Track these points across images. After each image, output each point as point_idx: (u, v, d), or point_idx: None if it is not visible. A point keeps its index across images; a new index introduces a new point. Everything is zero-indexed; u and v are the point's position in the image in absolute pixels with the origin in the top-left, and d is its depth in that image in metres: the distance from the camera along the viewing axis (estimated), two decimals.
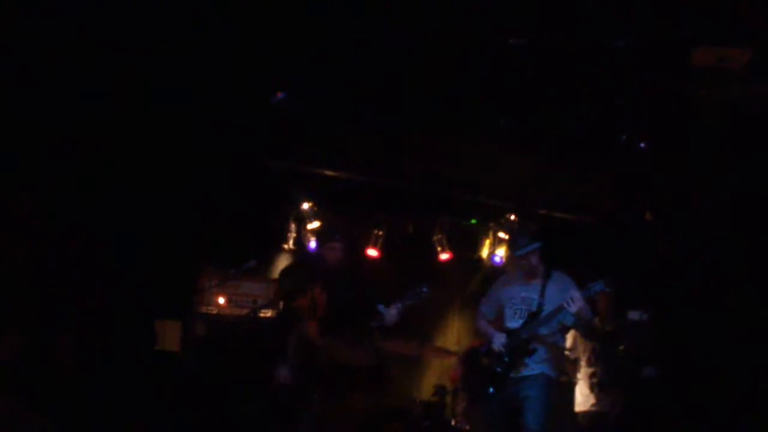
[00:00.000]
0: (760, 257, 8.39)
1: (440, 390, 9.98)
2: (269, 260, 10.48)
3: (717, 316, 8.66)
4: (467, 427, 9.15)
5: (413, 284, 7.65)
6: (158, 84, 8.00)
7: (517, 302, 7.45)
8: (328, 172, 10.12)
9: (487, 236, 10.87)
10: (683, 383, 8.73)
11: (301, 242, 10.51)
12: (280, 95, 8.21)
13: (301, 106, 8.36)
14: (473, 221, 10.95)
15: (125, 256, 9.09)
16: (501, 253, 10.70)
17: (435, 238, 10.85)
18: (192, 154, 9.11)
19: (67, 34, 7.24)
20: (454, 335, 11.09)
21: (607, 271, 7.28)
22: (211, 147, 9.12)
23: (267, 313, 9.10)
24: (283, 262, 10.33)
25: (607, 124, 8.26)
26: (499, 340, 7.38)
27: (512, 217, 10.58)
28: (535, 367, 7.26)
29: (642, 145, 8.41)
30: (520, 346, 7.28)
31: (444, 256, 10.83)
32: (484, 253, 10.93)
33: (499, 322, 7.58)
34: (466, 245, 11.00)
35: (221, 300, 9.69)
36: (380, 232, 10.75)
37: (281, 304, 8.18)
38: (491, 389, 7.37)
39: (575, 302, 7.00)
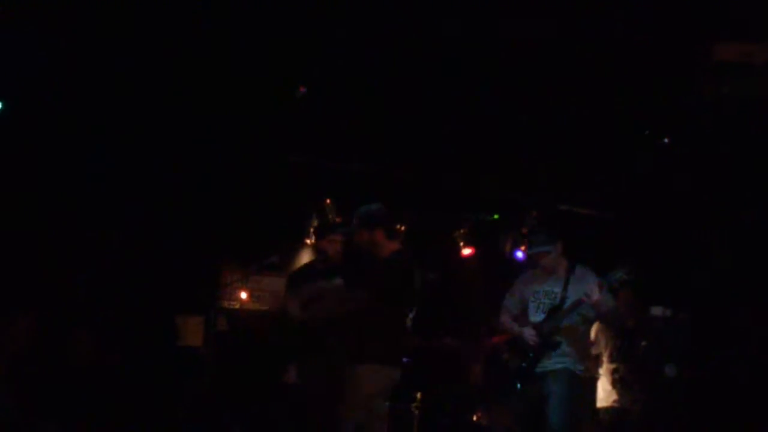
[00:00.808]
0: None
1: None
2: (291, 255, 10.48)
3: (741, 313, 8.63)
4: (488, 423, 9.15)
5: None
6: (181, 79, 8.02)
7: (540, 296, 7.44)
8: (350, 167, 10.12)
9: (509, 231, 10.85)
10: (705, 381, 8.70)
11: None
12: (303, 90, 8.22)
13: (323, 100, 8.37)
14: (495, 216, 10.93)
15: (148, 252, 9.14)
16: (523, 248, 10.68)
17: (457, 233, 10.84)
18: (214, 149, 9.14)
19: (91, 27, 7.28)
20: (475, 332, 11.06)
21: (623, 264, 7.28)
22: (233, 142, 9.14)
23: None
24: (305, 258, 10.35)
25: (629, 119, 8.24)
26: (530, 334, 7.36)
27: (534, 213, 10.55)
28: (558, 361, 7.25)
29: (666, 140, 8.38)
30: (543, 340, 7.28)
31: (466, 252, 10.82)
32: (507, 248, 10.90)
33: (522, 317, 7.57)
34: (489, 241, 10.98)
35: (243, 295, 9.73)
36: (402, 227, 10.74)
37: None
38: (518, 385, 7.36)
39: (593, 294, 6.99)
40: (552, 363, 7.23)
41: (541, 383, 7.22)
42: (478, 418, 9.36)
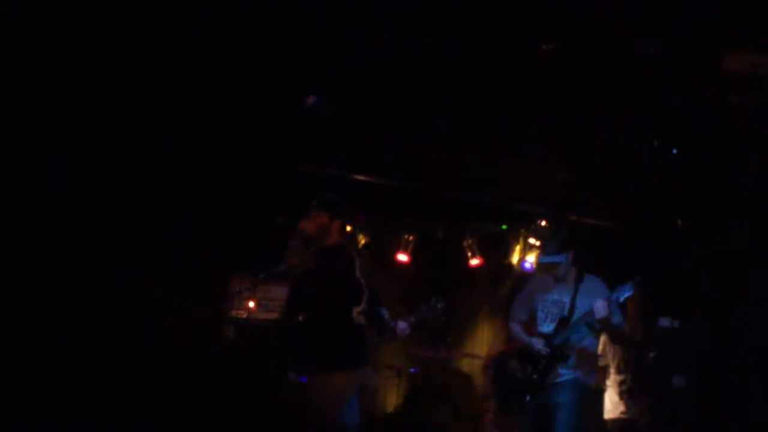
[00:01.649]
0: None
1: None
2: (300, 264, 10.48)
3: (750, 324, 8.60)
4: None
5: (430, 296, 7.51)
6: (188, 88, 8.04)
7: (548, 305, 7.43)
8: (359, 177, 10.13)
9: (517, 242, 10.85)
10: (714, 393, 8.68)
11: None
12: (311, 99, 8.23)
13: (332, 110, 8.38)
14: (504, 227, 10.93)
15: (156, 261, 9.14)
16: (531, 258, 10.68)
17: (465, 243, 10.85)
18: (223, 158, 9.16)
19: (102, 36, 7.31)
20: (483, 341, 11.07)
21: (633, 276, 7.27)
22: (242, 151, 9.16)
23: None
24: None
25: (639, 129, 8.24)
26: (540, 346, 7.36)
27: (543, 223, 10.55)
28: (567, 372, 7.25)
29: (674, 151, 8.38)
30: (553, 352, 7.27)
31: (474, 262, 10.83)
32: (515, 258, 10.90)
33: (531, 325, 7.57)
34: (497, 251, 10.98)
35: (251, 304, 9.71)
36: (410, 237, 10.76)
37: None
38: (527, 397, 7.35)
39: (601, 311, 6.99)
40: (561, 374, 7.23)
41: (550, 394, 7.21)
42: (486, 429, 9.37)
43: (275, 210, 9.82)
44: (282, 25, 7.16)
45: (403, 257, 10.74)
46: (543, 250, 7.70)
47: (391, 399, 10.62)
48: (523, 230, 10.80)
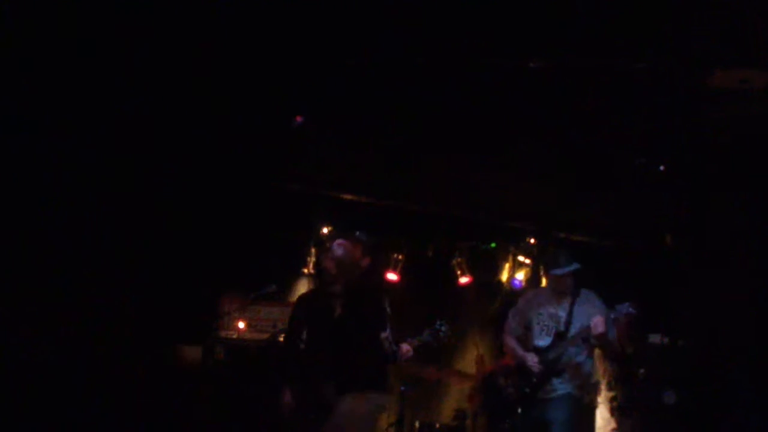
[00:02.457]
0: None
1: (460, 414, 9.94)
2: (289, 285, 10.48)
3: (739, 339, 8.62)
4: None
5: (432, 316, 7.52)
6: (179, 109, 8.04)
7: (545, 319, 7.46)
8: (348, 197, 10.14)
9: (506, 260, 10.86)
10: (703, 409, 8.69)
11: (320, 267, 10.50)
12: (299, 120, 8.24)
13: (320, 130, 8.39)
14: (492, 245, 10.94)
15: (146, 282, 9.13)
16: (520, 276, 10.69)
17: (454, 261, 10.84)
18: (212, 179, 9.15)
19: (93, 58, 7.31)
20: (473, 359, 11.05)
21: (627, 294, 7.29)
22: (230, 172, 9.16)
23: None
24: (302, 287, 10.35)
25: (626, 146, 8.26)
26: (534, 362, 7.36)
27: (532, 241, 10.57)
28: (561, 387, 7.26)
29: (661, 167, 8.40)
30: (548, 366, 7.28)
31: (463, 280, 10.82)
32: (504, 276, 10.91)
33: (525, 339, 7.58)
34: (486, 269, 10.98)
35: (241, 324, 9.69)
36: (400, 256, 10.75)
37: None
38: (519, 410, 7.35)
39: (598, 327, 7.01)
40: (555, 389, 7.24)
41: (543, 409, 7.22)
42: None
43: (265, 230, 9.82)
44: (270, 43, 7.16)
45: (392, 276, 10.73)
46: (557, 263, 7.65)
47: (382, 418, 10.59)
48: (512, 248, 10.80)
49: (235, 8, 6.76)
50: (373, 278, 7.24)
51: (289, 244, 10.39)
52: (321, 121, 8.29)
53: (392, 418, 9.81)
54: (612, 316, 7.10)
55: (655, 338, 9.17)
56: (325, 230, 10.41)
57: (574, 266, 7.40)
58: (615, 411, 8.81)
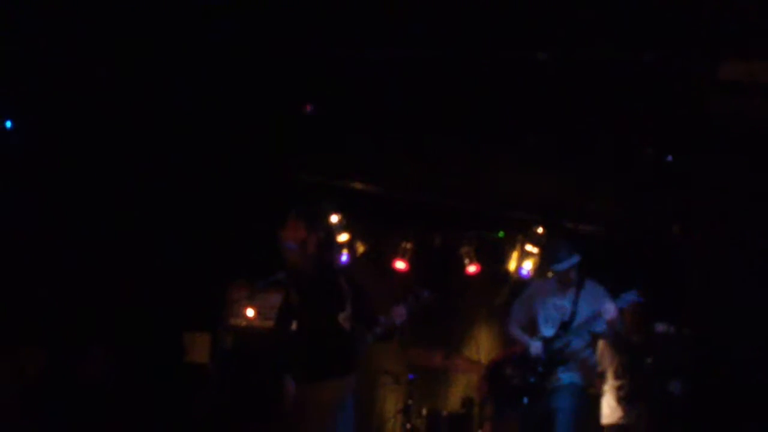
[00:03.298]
0: None
1: (467, 402, 10.00)
2: None
3: (746, 330, 8.64)
4: None
5: (439, 305, 7.50)
6: (189, 97, 8.07)
7: (550, 310, 7.48)
8: (357, 185, 10.16)
9: (514, 249, 10.86)
10: (710, 399, 8.71)
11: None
12: (309, 108, 8.25)
13: (330, 119, 8.40)
14: (500, 234, 10.95)
15: (155, 269, 9.17)
16: (528, 265, 10.70)
17: (462, 250, 10.85)
18: (221, 167, 9.18)
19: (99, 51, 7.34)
20: (480, 348, 11.09)
21: (635, 283, 7.32)
22: (239, 160, 9.18)
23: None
24: None
25: (634, 137, 8.27)
26: (536, 348, 7.39)
27: (539, 230, 10.58)
28: (566, 377, 7.29)
29: (669, 158, 8.41)
30: (553, 356, 7.31)
31: (471, 269, 10.83)
32: (512, 265, 10.92)
33: (531, 329, 7.61)
34: (494, 258, 11.00)
35: (250, 312, 9.71)
36: (408, 245, 10.77)
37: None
38: (525, 399, 7.38)
39: (608, 312, 7.04)
40: (560, 378, 7.27)
41: (549, 398, 7.25)
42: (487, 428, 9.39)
43: (274, 219, 9.84)
44: (280, 32, 7.18)
45: (401, 265, 10.75)
46: (555, 257, 7.67)
47: (390, 405, 10.64)
48: (520, 237, 10.81)
49: None
50: (327, 257, 6.82)
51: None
52: (331, 110, 8.31)
53: (399, 405, 9.88)
54: (618, 305, 7.13)
55: (662, 327, 9.18)
56: (333, 218, 10.43)
57: (574, 259, 7.42)
58: (622, 400, 8.82)
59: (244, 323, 9.75)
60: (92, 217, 8.74)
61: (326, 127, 8.49)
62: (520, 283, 10.22)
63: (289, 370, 6.99)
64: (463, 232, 10.87)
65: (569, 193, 9.53)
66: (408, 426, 9.62)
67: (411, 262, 10.76)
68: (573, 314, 7.33)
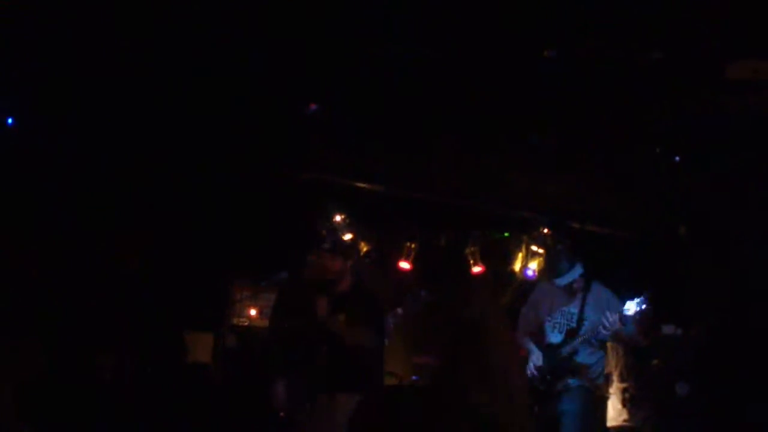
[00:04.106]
0: None
1: None
2: (301, 272, 10.46)
3: (752, 331, 8.60)
4: None
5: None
6: (192, 96, 8.05)
7: (557, 316, 7.45)
8: (361, 185, 10.12)
9: (519, 249, 10.80)
10: (717, 401, 8.67)
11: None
12: (313, 107, 8.23)
13: (334, 118, 8.38)
14: (506, 234, 10.90)
15: (158, 269, 9.14)
16: (533, 266, 10.64)
17: (467, 251, 10.81)
18: (224, 166, 9.15)
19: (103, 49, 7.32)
20: None
21: (641, 284, 7.26)
22: (244, 159, 9.15)
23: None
24: None
25: (641, 137, 8.23)
26: (536, 360, 7.36)
27: (545, 231, 10.52)
28: (573, 381, 7.25)
29: (677, 158, 8.37)
30: (560, 363, 7.27)
31: (476, 269, 10.79)
32: (517, 266, 10.86)
33: (539, 336, 7.57)
34: (499, 258, 10.95)
35: (253, 312, 9.69)
36: (413, 245, 10.72)
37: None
38: (536, 408, 7.35)
39: (612, 324, 7.00)
40: (567, 383, 7.24)
41: (557, 401, 7.22)
42: None
43: (277, 218, 9.81)
44: (283, 31, 7.15)
45: (405, 265, 10.71)
46: (556, 271, 7.63)
47: None
48: (525, 237, 10.75)
49: None
50: (363, 277, 7.01)
51: (301, 231, 10.37)
52: (335, 109, 8.29)
53: None
54: (625, 312, 7.08)
55: (668, 329, 9.14)
56: (337, 218, 10.38)
57: (577, 272, 7.39)
58: (627, 402, 8.78)
59: (246, 323, 9.73)
60: (92, 216, 8.72)
61: (331, 126, 8.46)
62: (525, 284, 10.17)
63: (281, 371, 6.99)
64: (467, 232, 10.82)
65: (575, 193, 9.49)
66: None
67: (415, 263, 10.71)
68: (580, 321, 7.29)
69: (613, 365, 8.83)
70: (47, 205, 8.35)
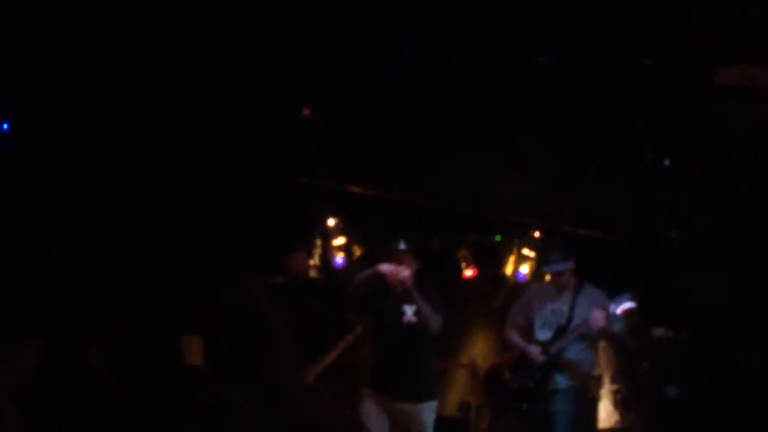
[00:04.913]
0: None
1: (464, 406, 9.98)
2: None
3: (744, 335, 8.64)
4: None
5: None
6: (184, 101, 8.07)
7: (547, 314, 7.49)
8: (354, 188, 10.15)
9: (511, 253, 10.86)
10: (707, 404, 8.71)
11: (326, 258, 10.52)
12: (306, 111, 8.26)
13: (326, 122, 8.41)
14: (498, 238, 10.95)
15: (151, 272, 9.15)
16: (525, 269, 10.69)
17: (460, 254, 10.84)
18: (217, 170, 9.17)
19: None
20: (477, 352, 11.08)
21: (631, 288, 7.32)
22: (236, 163, 9.17)
23: None
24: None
25: (631, 141, 8.28)
26: (536, 353, 7.40)
27: (537, 234, 10.57)
28: (563, 381, 7.29)
29: (666, 163, 8.42)
30: (550, 360, 7.31)
31: (468, 273, 10.83)
32: (509, 269, 10.91)
33: (528, 333, 7.62)
34: (490, 262, 10.99)
35: None
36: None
37: None
38: (525, 405, 7.39)
39: (597, 320, 7.04)
40: (557, 383, 7.27)
41: (548, 402, 7.26)
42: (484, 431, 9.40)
43: (271, 221, 9.84)
44: (278, 36, 7.19)
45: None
46: (546, 259, 7.72)
47: None
48: (517, 241, 10.81)
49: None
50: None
51: (296, 235, 10.40)
52: (328, 113, 8.32)
53: None
54: (611, 308, 7.13)
55: (659, 331, 9.18)
56: (330, 222, 10.42)
57: (567, 264, 7.43)
58: (618, 404, 8.83)
59: None
60: (88, 220, 8.73)
61: (324, 130, 8.49)
62: (516, 288, 10.22)
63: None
64: (460, 236, 10.86)
65: (567, 197, 9.53)
66: None
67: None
68: (569, 318, 7.34)
69: (604, 367, 8.88)
70: (44, 210, 8.36)
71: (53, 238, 8.41)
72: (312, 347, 7.72)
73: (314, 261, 10.55)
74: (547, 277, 8.01)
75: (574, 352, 7.36)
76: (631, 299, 7.12)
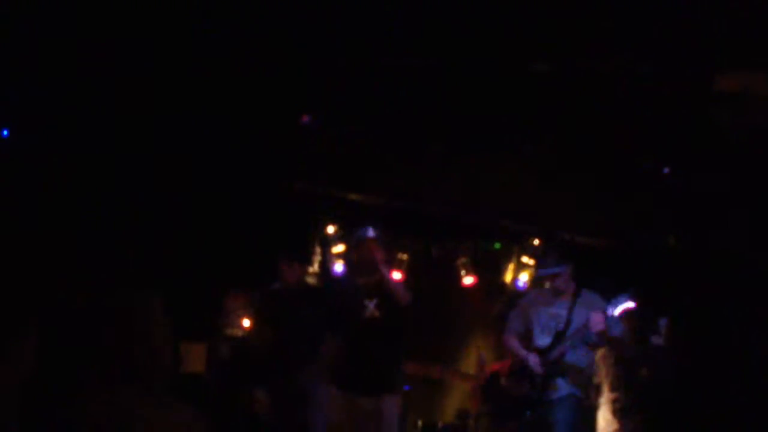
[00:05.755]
0: None
1: (463, 414, 9.98)
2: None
3: (742, 341, 8.64)
4: None
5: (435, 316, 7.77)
6: (184, 107, 8.08)
7: (545, 319, 7.48)
8: (353, 196, 10.16)
9: (510, 260, 10.86)
10: (705, 409, 8.70)
11: (325, 265, 10.52)
12: (306, 119, 8.27)
13: (326, 129, 8.41)
14: (497, 245, 10.95)
15: (151, 278, 9.15)
16: (524, 277, 10.70)
17: (459, 262, 10.85)
18: (217, 176, 9.18)
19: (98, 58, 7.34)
20: (476, 359, 11.08)
21: (630, 295, 7.32)
22: (236, 169, 9.18)
23: None
24: None
25: (630, 148, 8.29)
26: (535, 361, 7.39)
27: (536, 242, 10.58)
28: (563, 388, 7.29)
29: (666, 170, 8.42)
30: (549, 367, 7.31)
31: (468, 280, 10.83)
32: (508, 277, 10.92)
33: (526, 339, 7.61)
34: (490, 269, 11.00)
35: (246, 322, 9.72)
36: (404, 256, 10.76)
37: None
38: (527, 412, 7.38)
39: (596, 324, 7.03)
40: (557, 389, 7.27)
41: (547, 410, 7.25)
42: None
43: (269, 227, 9.84)
44: (278, 43, 7.19)
45: (396, 276, 10.73)
46: (541, 263, 7.74)
47: None
48: (516, 249, 10.81)
49: (244, 4, 6.79)
50: None
51: (295, 241, 10.41)
52: (328, 120, 8.32)
53: None
54: (609, 312, 7.13)
55: (656, 339, 9.17)
56: (330, 229, 10.42)
57: (561, 268, 7.43)
58: (617, 412, 8.79)
59: (240, 333, 9.74)
60: (89, 225, 8.73)
61: (323, 137, 8.50)
62: (515, 295, 10.22)
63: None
64: (459, 244, 10.86)
65: (566, 204, 9.53)
66: None
67: (406, 274, 10.75)
68: (568, 323, 7.34)
69: (603, 375, 8.86)
70: (44, 215, 8.37)
71: (53, 242, 8.41)
72: (302, 353, 7.69)
73: (313, 268, 10.56)
74: (546, 285, 8.01)
75: (575, 356, 7.36)
76: (631, 298, 7.12)
